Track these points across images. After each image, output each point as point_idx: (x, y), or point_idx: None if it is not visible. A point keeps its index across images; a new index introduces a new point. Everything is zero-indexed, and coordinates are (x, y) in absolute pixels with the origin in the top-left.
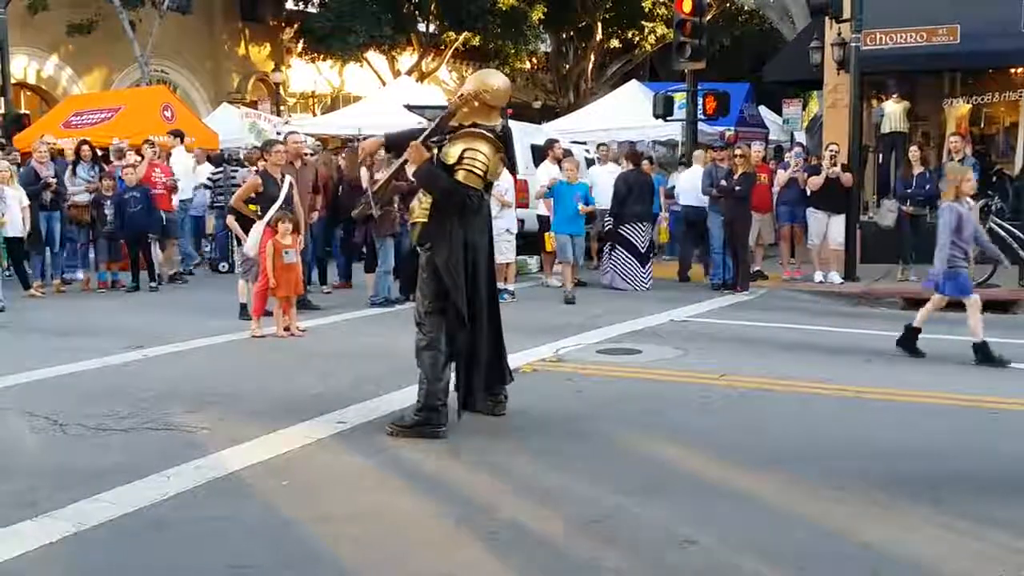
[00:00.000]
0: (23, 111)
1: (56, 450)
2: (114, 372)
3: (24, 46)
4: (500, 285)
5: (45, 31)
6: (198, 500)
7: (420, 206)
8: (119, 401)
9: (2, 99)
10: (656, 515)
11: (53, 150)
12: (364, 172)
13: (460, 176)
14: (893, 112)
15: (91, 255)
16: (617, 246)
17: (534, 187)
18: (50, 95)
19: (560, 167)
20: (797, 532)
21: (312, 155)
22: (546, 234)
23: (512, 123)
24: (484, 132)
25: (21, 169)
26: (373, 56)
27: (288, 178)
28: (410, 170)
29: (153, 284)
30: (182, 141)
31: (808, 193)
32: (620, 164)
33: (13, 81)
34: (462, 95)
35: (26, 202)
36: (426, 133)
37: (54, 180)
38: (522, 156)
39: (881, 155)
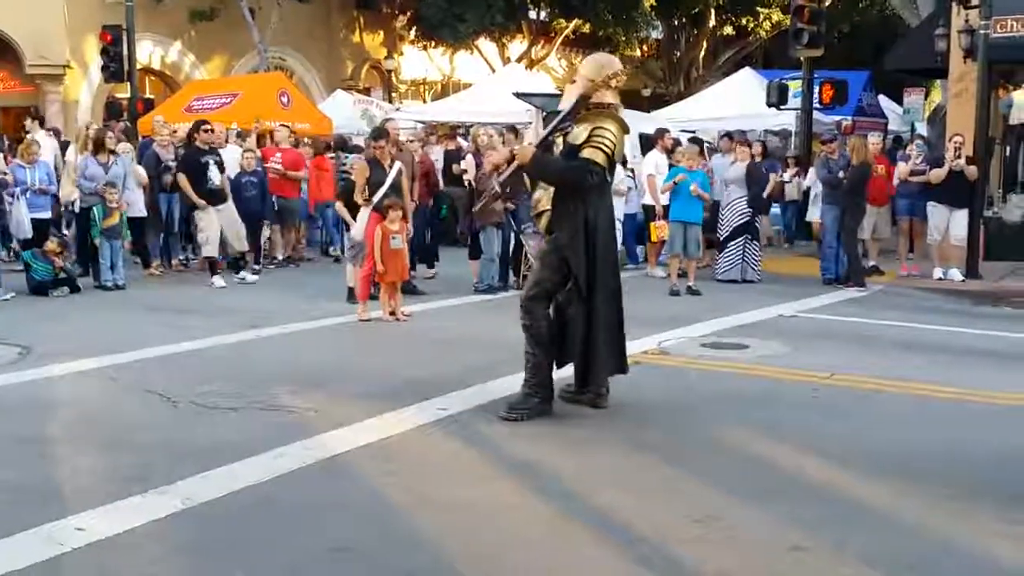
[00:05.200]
0: (147, 95)
1: (168, 426)
2: (227, 351)
3: (149, 32)
4: None
5: (169, 18)
6: (303, 481)
7: (546, 194)
8: (231, 380)
9: (129, 84)
10: (764, 518)
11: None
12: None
13: (586, 153)
14: (1022, 103)
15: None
16: (750, 237)
17: (641, 176)
18: (173, 80)
19: (669, 156)
20: (914, 543)
21: (411, 141)
22: (652, 224)
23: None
24: (611, 112)
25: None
26: (483, 43)
27: (397, 164)
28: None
29: (256, 267)
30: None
31: (929, 186)
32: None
33: (139, 66)
34: (595, 79)
35: (144, 181)
36: (555, 123)
37: (174, 163)
38: (630, 144)
39: (1008, 148)
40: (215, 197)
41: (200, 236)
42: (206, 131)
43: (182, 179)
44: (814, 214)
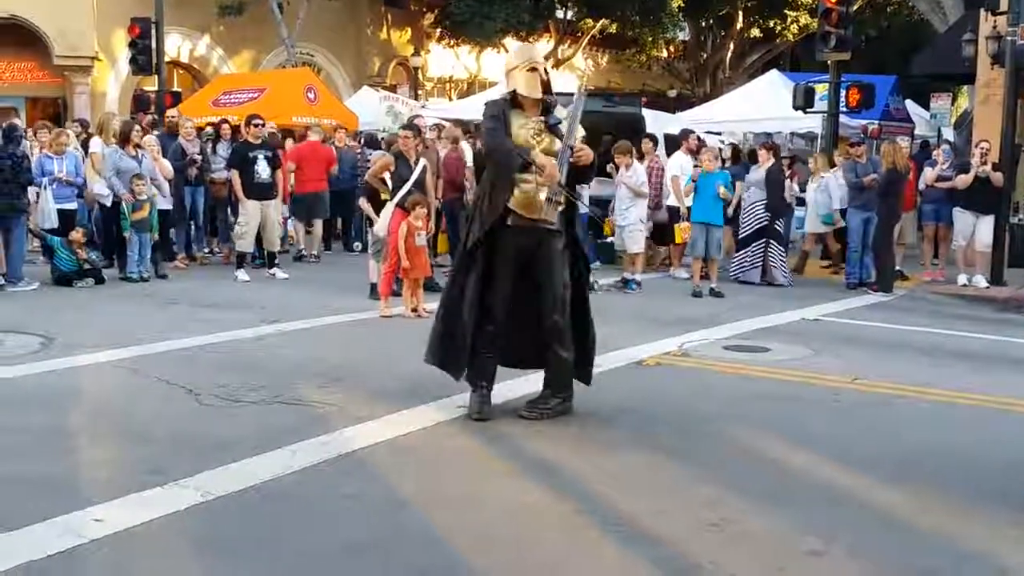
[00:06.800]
0: (175, 89)
1: (189, 419)
2: (248, 345)
3: (177, 25)
4: (628, 275)
5: (197, 11)
6: (321, 476)
7: (555, 202)
8: (252, 374)
9: (156, 77)
10: (780, 521)
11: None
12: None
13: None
14: None
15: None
16: (772, 241)
17: (666, 177)
18: (201, 74)
19: (694, 158)
20: (928, 549)
21: (444, 139)
22: (676, 225)
23: (646, 111)
24: None
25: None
26: (511, 42)
27: (422, 161)
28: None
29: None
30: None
31: (955, 192)
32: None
33: (167, 59)
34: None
35: (170, 174)
36: (577, 118)
37: (199, 157)
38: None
39: None
40: (261, 191)
41: (237, 229)
42: (256, 125)
43: (233, 173)
44: (816, 225)
